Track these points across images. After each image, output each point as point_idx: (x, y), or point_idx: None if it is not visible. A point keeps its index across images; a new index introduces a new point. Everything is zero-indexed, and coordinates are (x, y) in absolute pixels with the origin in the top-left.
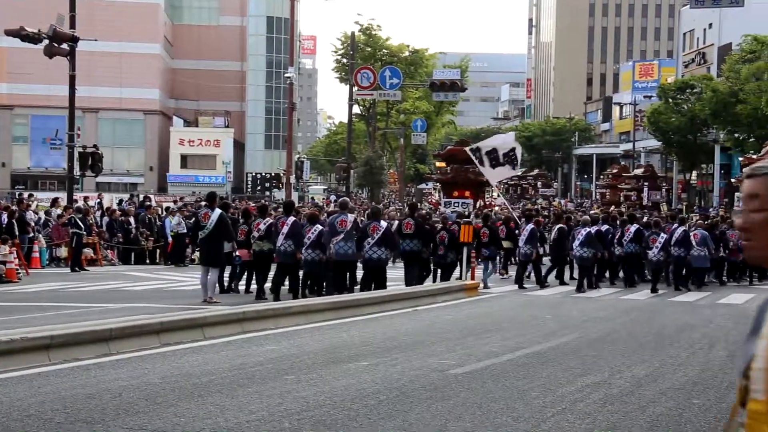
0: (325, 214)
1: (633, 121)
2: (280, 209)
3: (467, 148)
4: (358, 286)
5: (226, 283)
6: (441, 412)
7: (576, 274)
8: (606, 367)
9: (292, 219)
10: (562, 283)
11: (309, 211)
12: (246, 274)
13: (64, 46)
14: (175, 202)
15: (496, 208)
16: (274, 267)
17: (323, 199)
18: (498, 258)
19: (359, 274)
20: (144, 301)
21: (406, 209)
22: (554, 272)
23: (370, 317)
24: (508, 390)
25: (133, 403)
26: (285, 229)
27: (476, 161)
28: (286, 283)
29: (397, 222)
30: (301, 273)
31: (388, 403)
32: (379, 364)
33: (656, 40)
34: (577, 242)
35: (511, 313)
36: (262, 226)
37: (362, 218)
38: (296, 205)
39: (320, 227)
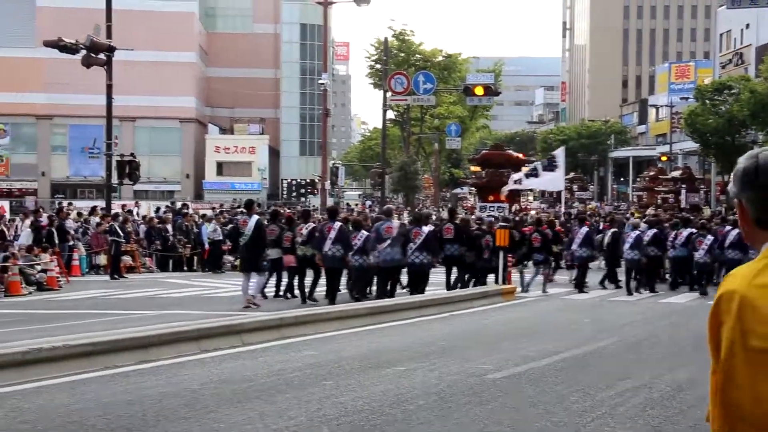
0: (369, 221)
1: (670, 123)
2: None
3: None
4: (405, 290)
5: (274, 289)
6: (480, 417)
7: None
8: (646, 371)
9: (338, 224)
10: (617, 286)
11: (354, 217)
12: (288, 278)
13: (101, 56)
14: (213, 209)
15: (532, 212)
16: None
17: (357, 204)
18: (549, 263)
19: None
20: (182, 308)
21: (445, 214)
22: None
23: (407, 322)
24: (547, 394)
25: (173, 409)
26: (332, 234)
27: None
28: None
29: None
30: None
31: (427, 408)
32: (417, 369)
33: (692, 41)
34: (626, 245)
35: (548, 318)
36: (305, 231)
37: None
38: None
39: (366, 233)
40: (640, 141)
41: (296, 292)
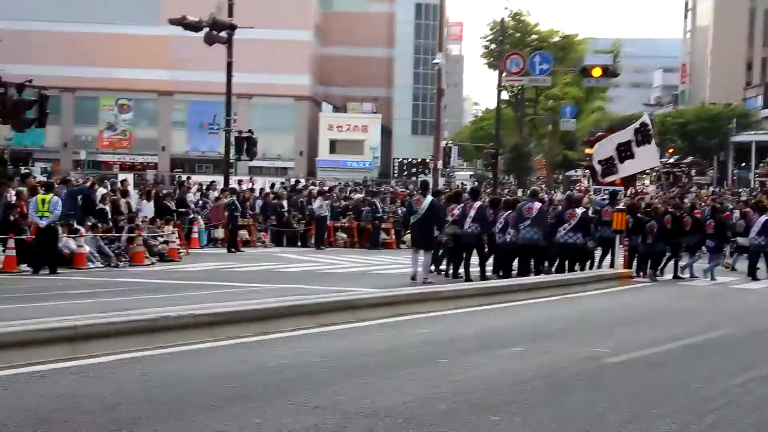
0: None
1: None
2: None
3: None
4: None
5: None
6: (597, 401)
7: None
8: None
9: (478, 203)
10: None
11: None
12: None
13: (223, 33)
14: (320, 183)
15: (647, 197)
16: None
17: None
18: (722, 250)
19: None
20: (298, 282)
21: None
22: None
23: (520, 304)
24: (667, 381)
25: (293, 380)
26: (472, 213)
27: (604, 170)
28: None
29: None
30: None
31: (543, 390)
32: (531, 351)
33: None
34: (753, 232)
35: (665, 304)
36: (456, 211)
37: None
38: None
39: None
40: (765, 125)
41: (461, 270)
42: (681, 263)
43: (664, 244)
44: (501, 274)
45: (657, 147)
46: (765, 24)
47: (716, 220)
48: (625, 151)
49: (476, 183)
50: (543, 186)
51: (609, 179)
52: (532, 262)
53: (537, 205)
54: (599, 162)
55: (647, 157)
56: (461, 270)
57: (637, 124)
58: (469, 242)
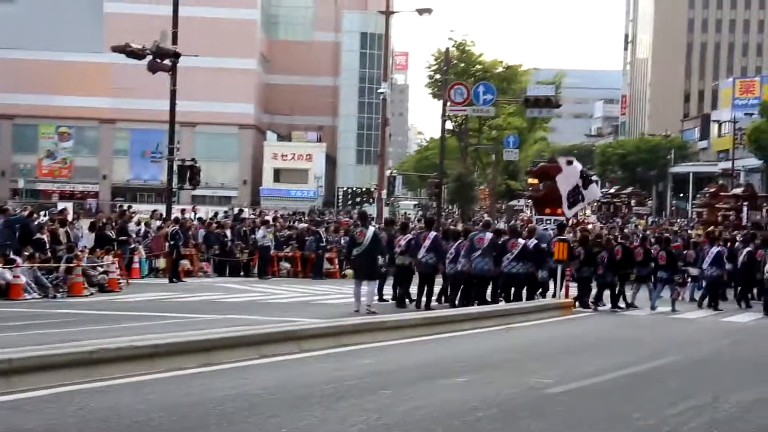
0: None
1: (733, 139)
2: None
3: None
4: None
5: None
6: (542, 431)
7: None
8: (709, 390)
9: (433, 234)
10: (748, 306)
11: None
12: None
13: (167, 61)
14: (261, 214)
15: (590, 226)
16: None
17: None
18: (674, 281)
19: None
20: (240, 313)
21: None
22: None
23: (463, 334)
24: (609, 411)
25: (235, 412)
26: (427, 243)
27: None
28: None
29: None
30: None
31: (488, 420)
32: (475, 381)
33: (758, 56)
34: (705, 263)
35: (607, 333)
36: (403, 242)
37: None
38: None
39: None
40: (702, 156)
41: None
42: (628, 293)
43: (613, 275)
44: (450, 303)
45: (598, 180)
46: (701, 58)
47: (667, 250)
48: (587, 182)
49: (424, 213)
50: (485, 215)
51: (575, 209)
52: (489, 291)
53: (488, 235)
54: (568, 192)
55: (595, 191)
56: (420, 297)
57: (579, 167)
58: (427, 272)
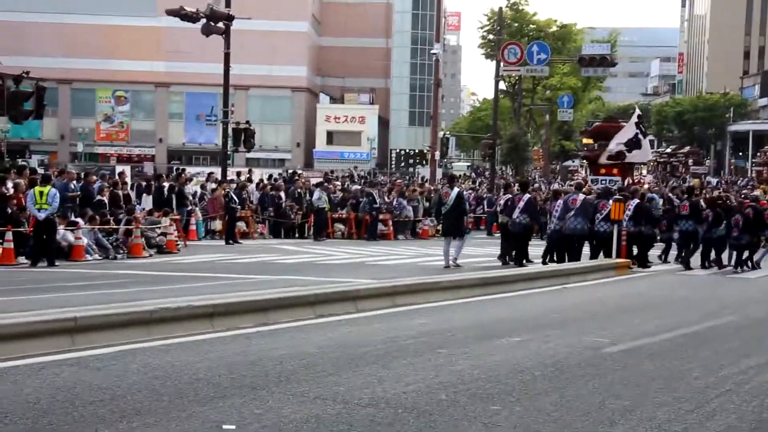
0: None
1: None
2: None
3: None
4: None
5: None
6: (598, 390)
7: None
8: None
9: (527, 196)
10: None
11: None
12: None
13: (220, 24)
14: (325, 175)
15: (646, 186)
16: None
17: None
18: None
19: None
20: (295, 274)
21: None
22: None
23: (519, 294)
24: (667, 370)
25: (294, 371)
26: (521, 204)
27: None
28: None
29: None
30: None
31: (544, 379)
32: (531, 341)
33: None
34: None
35: (664, 292)
36: (501, 202)
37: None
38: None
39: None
40: (761, 114)
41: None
42: (756, 256)
43: (750, 237)
44: (543, 261)
45: (653, 139)
46: (762, 13)
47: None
48: (634, 141)
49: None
50: (537, 176)
51: (635, 157)
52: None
53: (581, 197)
54: (624, 143)
55: (648, 150)
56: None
57: (635, 118)
58: (519, 231)
